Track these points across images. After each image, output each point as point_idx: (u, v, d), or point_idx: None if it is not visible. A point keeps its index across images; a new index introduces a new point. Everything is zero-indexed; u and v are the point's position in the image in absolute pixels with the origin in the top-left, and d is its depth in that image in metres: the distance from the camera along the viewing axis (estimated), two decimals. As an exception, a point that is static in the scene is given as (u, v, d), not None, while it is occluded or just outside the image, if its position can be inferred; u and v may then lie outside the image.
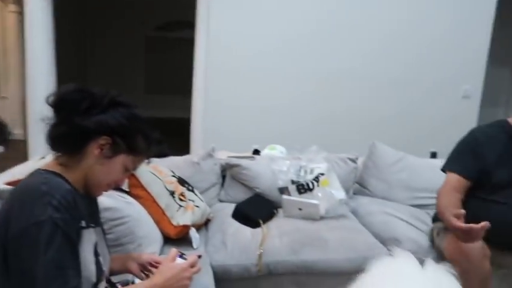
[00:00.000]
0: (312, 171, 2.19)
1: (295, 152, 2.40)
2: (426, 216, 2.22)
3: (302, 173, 2.20)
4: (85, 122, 1.05)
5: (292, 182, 2.15)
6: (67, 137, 1.04)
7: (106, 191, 1.19)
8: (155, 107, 7.40)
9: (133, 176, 1.75)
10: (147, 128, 1.18)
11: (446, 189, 1.85)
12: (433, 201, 2.11)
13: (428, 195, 2.36)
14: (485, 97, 3.96)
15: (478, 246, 1.67)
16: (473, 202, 1.84)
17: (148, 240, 1.61)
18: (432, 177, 2.18)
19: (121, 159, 1.12)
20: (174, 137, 4.08)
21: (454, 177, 1.86)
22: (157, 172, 1.90)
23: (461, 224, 1.58)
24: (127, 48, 7.78)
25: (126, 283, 1.30)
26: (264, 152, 2.70)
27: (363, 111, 3.71)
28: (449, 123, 3.73)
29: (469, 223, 1.77)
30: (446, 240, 1.81)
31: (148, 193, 1.77)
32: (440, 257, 1.82)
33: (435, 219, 2.06)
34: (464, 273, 1.72)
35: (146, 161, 1.26)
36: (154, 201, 1.78)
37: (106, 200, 1.48)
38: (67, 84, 1.10)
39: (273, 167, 2.28)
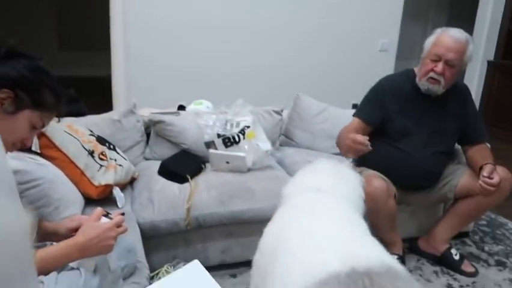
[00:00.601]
0: (238, 124, 2.19)
1: (223, 106, 2.38)
2: (346, 162, 2.35)
3: (228, 127, 2.20)
4: None
5: (219, 135, 2.15)
6: None
7: (11, 151, 1.10)
8: (72, 65, 6.85)
9: (44, 136, 1.62)
10: (55, 82, 1.10)
11: (347, 128, 1.96)
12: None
13: (348, 143, 2.50)
14: (400, 50, 4.19)
15: (382, 188, 1.84)
16: (381, 147, 1.98)
17: (66, 202, 1.52)
18: (351, 126, 2.30)
19: (26, 115, 1.04)
20: (96, 96, 3.85)
21: (357, 121, 1.98)
22: (73, 131, 1.78)
23: (353, 135, 1.75)
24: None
25: (43, 246, 1.24)
26: (190, 107, 2.64)
27: (287, 65, 3.75)
28: (368, 75, 3.87)
29: (378, 165, 1.95)
30: None
31: (64, 154, 1.66)
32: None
33: (354, 164, 2.20)
34: (373, 212, 1.92)
35: (56, 119, 1.18)
36: (71, 162, 1.67)
37: (14, 162, 1.37)
38: None
39: (199, 121, 2.25)
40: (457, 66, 1.85)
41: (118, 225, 1.08)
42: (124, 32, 3.29)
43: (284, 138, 2.69)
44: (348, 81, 3.95)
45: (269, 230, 1.18)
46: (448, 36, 1.84)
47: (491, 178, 1.79)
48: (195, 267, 1.08)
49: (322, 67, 3.87)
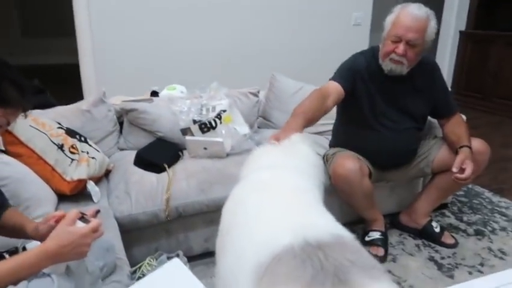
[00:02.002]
0: (214, 108, 2.13)
1: (197, 90, 2.30)
2: (326, 141, 2.33)
3: (204, 112, 2.13)
4: None
5: (194, 121, 2.08)
6: None
7: (-29, 153, 1.01)
8: (37, 53, 6.55)
9: (8, 133, 1.53)
10: (17, 74, 1.02)
11: (319, 90, 1.80)
12: (330, 127, 2.22)
13: (326, 121, 2.46)
14: (374, 23, 4.16)
15: (356, 169, 1.81)
16: (355, 130, 1.97)
17: (37, 201, 1.45)
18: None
19: None
20: (64, 85, 3.69)
21: (332, 83, 1.85)
22: (40, 125, 1.69)
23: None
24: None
25: (15, 251, 1.17)
26: (163, 93, 2.55)
27: (261, 44, 3.67)
28: (343, 50, 3.84)
29: (354, 148, 1.94)
30: (331, 167, 1.92)
31: (31, 150, 1.57)
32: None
33: (331, 144, 2.18)
34: (349, 193, 1.90)
35: (23, 114, 1.09)
36: (40, 158, 1.59)
37: (-25, 163, 1.28)
38: None
39: (173, 108, 2.17)
40: (418, 45, 1.76)
41: (95, 230, 1.02)
42: (89, 15, 3.13)
43: (262, 120, 2.64)
44: (323, 58, 3.90)
45: (225, 210, 1.17)
46: (407, 15, 1.74)
47: (463, 169, 1.76)
48: (175, 265, 1.04)
49: (296, 45, 3.80)
